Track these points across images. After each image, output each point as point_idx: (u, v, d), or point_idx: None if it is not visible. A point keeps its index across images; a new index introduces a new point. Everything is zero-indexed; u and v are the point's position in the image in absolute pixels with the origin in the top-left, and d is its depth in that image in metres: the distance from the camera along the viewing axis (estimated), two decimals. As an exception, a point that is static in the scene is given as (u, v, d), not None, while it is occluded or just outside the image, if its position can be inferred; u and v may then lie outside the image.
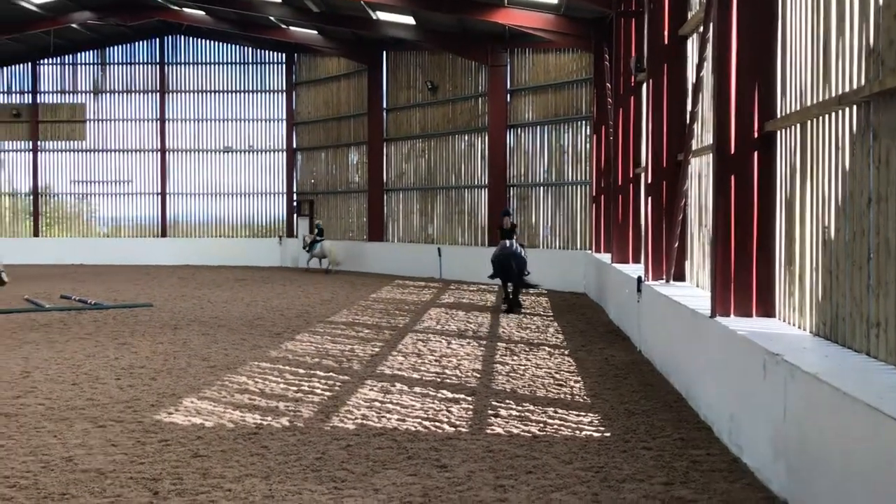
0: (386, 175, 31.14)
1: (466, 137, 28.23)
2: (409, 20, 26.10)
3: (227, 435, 8.15)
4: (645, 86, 15.12)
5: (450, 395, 9.96)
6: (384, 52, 30.86)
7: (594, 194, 22.64)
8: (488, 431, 8.30)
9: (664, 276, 12.87)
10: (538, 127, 25.79)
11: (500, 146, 26.42)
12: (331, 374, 11.31)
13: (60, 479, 6.78)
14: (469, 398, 9.78)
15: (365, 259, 30.87)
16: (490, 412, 9.08)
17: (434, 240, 29.06)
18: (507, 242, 18.32)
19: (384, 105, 31.16)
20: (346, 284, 25.30)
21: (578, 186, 24.46)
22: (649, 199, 13.63)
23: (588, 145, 23.90)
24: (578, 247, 24.16)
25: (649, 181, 13.67)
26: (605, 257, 19.56)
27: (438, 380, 10.87)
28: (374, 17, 26.30)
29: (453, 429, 8.40)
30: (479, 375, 11.16)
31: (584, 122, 24.22)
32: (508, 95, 26.47)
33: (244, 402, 9.55)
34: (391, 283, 25.62)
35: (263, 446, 7.76)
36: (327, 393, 10.10)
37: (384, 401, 9.65)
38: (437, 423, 8.59)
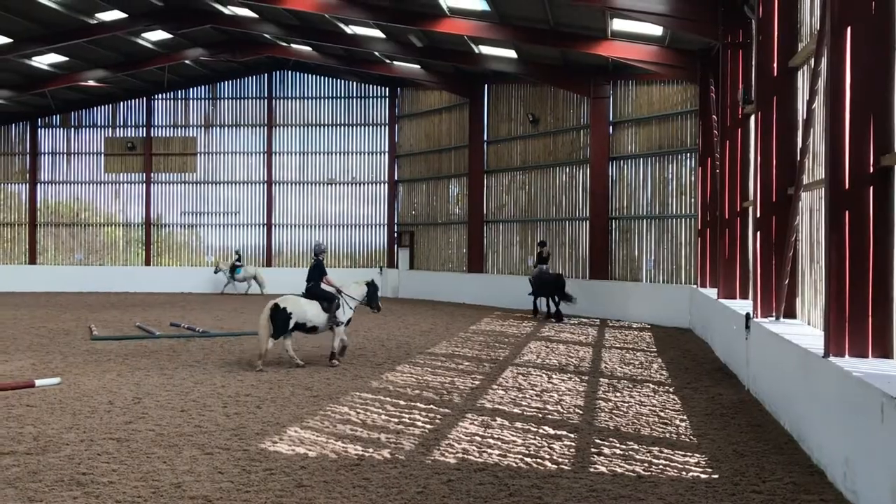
0: (486, 207, 31.21)
1: (567, 169, 28.09)
2: (512, 53, 26.23)
3: (329, 465, 8.23)
4: (753, 118, 14.81)
5: (551, 431, 9.84)
6: (485, 85, 31.08)
7: (699, 228, 22.20)
8: (591, 470, 8.16)
9: (774, 313, 12.50)
10: (641, 159, 25.47)
11: (602, 178, 26.19)
12: (431, 406, 11.32)
13: (170, 505, 6.95)
14: (571, 435, 9.65)
15: (464, 290, 30.94)
16: (593, 450, 8.94)
17: (534, 272, 28.92)
18: (544, 266, 24.30)
19: (485, 137, 31.31)
20: (445, 316, 25.38)
21: (683, 220, 24.03)
22: (758, 233, 13.29)
23: (693, 178, 23.50)
24: (683, 281, 23.68)
25: (758, 215, 13.33)
26: (711, 292, 19.12)
27: (540, 415, 10.75)
28: (477, 51, 26.54)
29: (555, 466, 8.29)
30: (581, 412, 11.01)
31: (688, 154, 23.83)
32: (611, 127, 26.25)
33: (346, 433, 9.64)
34: (490, 315, 25.57)
35: (365, 478, 7.81)
36: (428, 426, 10.10)
37: (485, 435, 9.60)
38: (538, 460, 8.50)
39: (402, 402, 11.53)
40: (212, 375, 13.77)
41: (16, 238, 38.22)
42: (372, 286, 15.98)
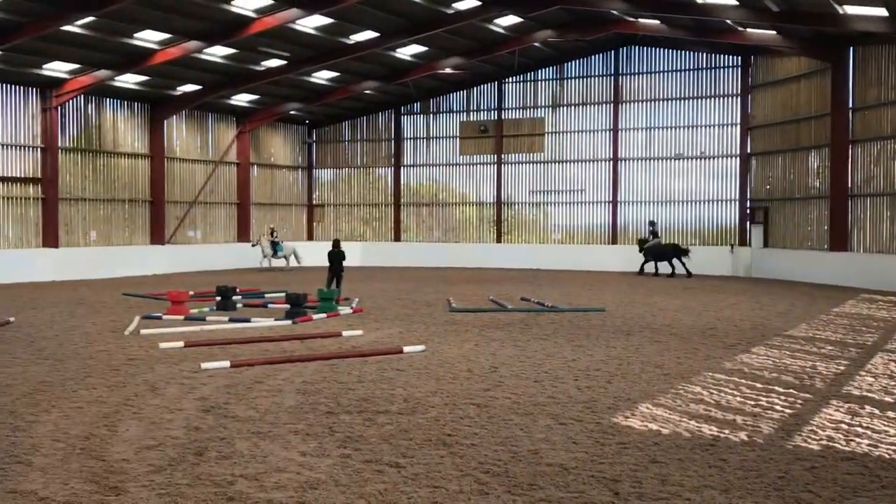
0: (851, 179, 28.85)
1: (949, 136, 25.16)
2: (881, 11, 23.92)
3: (683, 444, 8.09)
4: None
5: (932, 423, 8.93)
6: (850, 48, 28.65)
7: None
8: (983, 469, 7.29)
9: None
10: None
11: None
12: (790, 390, 10.73)
13: (528, 471, 7.21)
14: (956, 429, 8.68)
15: (825, 270, 28.89)
16: (984, 447, 7.98)
17: (906, 250, 26.29)
18: (660, 241, 33.19)
19: (850, 104, 28.88)
20: (803, 296, 23.90)
21: None
22: None
23: None
24: None
25: None
26: None
27: (917, 406, 9.80)
28: (841, 12, 24.53)
29: (938, 462, 7.51)
30: (967, 404, 9.87)
31: None
32: None
33: (699, 413, 9.42)
34: (856, 297, 23.68)
35: (721, 459, 7.58)
36: (787, 410, 9.59)
37: (852, 423, 8.93)
38: (917, 454, 7.75)
39: (758, 385, 11.04)
40: (562, 349, 14.07)
41: (383, 217, 41.64)
42: None
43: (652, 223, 33.90)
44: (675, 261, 32.19)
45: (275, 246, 35.12)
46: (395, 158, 41.23)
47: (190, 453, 7.72)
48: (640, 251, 33.39)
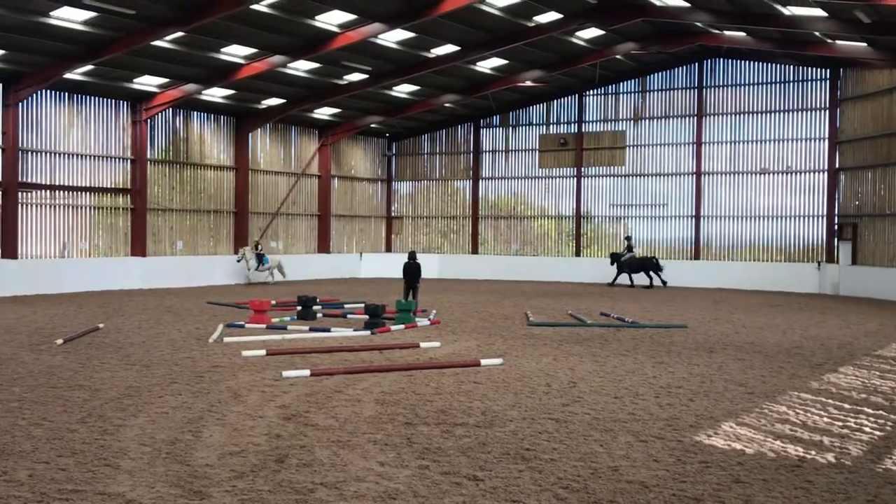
0: (945, 196, 27.88)
1: None
2: (979, 21, 23.12)
3: (768, 464, 7.90)
4: None
5: None
6: (945, 60, 27.74)
7: None
8: None
9: None
10: None
11: None
12: (880, 412, 10.39)
13: (607, 488, 7.12)
14: None
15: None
16: None
17: None
18: (635, 255, 34.75)
19: (944, 118, 27.96)
20: (894, 316, 23.12)
21: None
22: None
23: None
24: None
25: None
26: None
27: None
28: (935, 22, 23.77)
29: None
30: None
31: None
32: None
33: (785, 433, 9.18)
34: (949, 317, 22.81)
35: (808, 480, 7.39)
36: (877, 432, 9.29)
37: (948, 448, 8.60)
38: None
39: (846, 406, 10.71)
40: (642, 365, 13.87)
41: (461, 230, 41.73)
42: None
43: (628, 238, 35.44)
44: (649, 273, 34.11)
45: (261, 259, 34.68)
46: (473, 171, 41.28)
47: (271, 460, 7.85)
48: (612, 263, 34.90)
